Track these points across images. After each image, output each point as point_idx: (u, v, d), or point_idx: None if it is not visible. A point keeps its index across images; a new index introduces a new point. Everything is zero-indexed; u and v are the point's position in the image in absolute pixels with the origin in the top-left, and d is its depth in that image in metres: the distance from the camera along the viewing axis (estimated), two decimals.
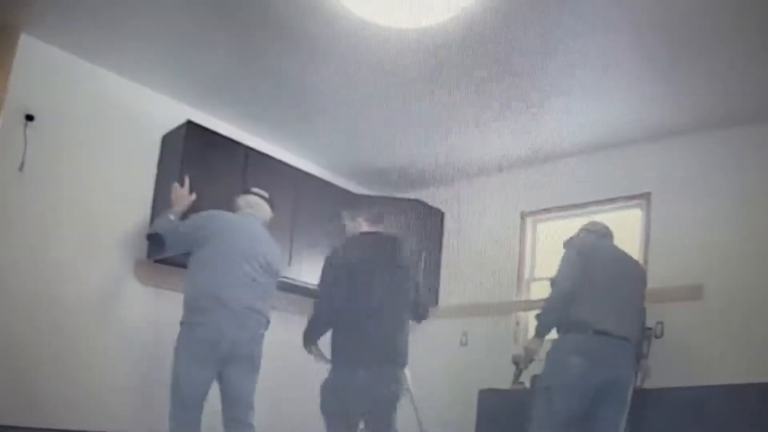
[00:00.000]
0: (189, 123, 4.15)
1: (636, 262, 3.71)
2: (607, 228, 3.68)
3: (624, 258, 3.58)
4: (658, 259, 4.32)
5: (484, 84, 3.93)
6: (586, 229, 3.67)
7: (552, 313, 3.34)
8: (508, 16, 3.27)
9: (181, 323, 3.21)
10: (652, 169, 4.47)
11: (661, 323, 4.14)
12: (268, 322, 3.38)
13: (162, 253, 3.48)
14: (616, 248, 3.61)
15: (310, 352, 3.59)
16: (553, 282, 3.41)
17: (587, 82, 3.84)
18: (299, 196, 4.75)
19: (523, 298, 4.98)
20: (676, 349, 4.02)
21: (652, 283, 4.28)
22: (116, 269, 4.00)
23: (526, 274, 5.04)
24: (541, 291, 4.94)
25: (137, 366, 3.90)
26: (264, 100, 4.38)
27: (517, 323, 4.93)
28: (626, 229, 4.60)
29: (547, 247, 5.01)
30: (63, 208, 3.79)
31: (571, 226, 4.90)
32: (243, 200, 3.61)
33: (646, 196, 4.50)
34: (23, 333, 3.55)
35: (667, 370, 3.98)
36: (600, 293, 3.29)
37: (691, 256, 4.14)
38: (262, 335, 3.33)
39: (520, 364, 4.24)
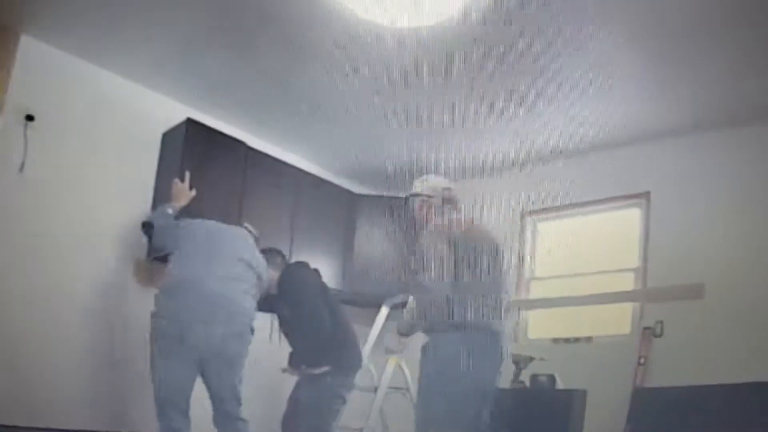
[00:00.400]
0: (189, 120, 4.15)
1: (490, 231, 2.98)
2: (453, 189, 3.06)
3: (486, 232, 2.93)
4: (658, 259, 4.33)
5: (484, 83, 3.93)
6: (443, 197, 3.01)
7: (427, 319, 2.78)
8: (507, 16, 3.26)
9: (153, 315, 3.14)
10: (651, 169, 4.47)
11: (661, 322, 4.15)
12: (250, 320, 3.30)
13: (156, 250, 3.48)
14: (476, 222, 2.99)
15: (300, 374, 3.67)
16: (427, 283, 2.74)
17: (587, 82, 3.84)
18: (299, 195, 4.75)
19: (523, 297, 4.99)
20: (676, 348, 4.03)
21: (652, 283, 4.31)
22: (117, 268, 4.00)
23: (527, 274, 5.04)
24: (541, 290, 4.97)
25: (136, 365, 3.90)
26: (263, 99, 4.38)
27: (517, 323, 4.94)
28: (626, 229, 4.63)
29: (548, 247, 5.02)
30: (63, 208, 3.79)
31: (571, 225, 4.93)
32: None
33: (645, 196, 4.50)
34: (23, 333, 3.55)
35: (667, 369, 4.00)
36: (479, 287, 2.75)
37: (691, 255, 4.14)
38: (245, 333, 3.26)
39: (519, 363, 4.26)
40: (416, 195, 3.05)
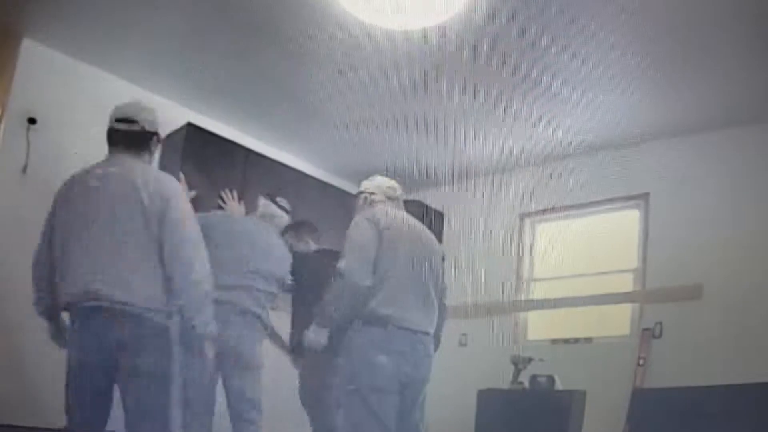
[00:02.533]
0: (189, 125, 4.16)
1: (431, 236, 3.01)
2: (398, 190, 3.07)
3: (421, 232, 2.95)
4: (657, 260, 4.35)
5: (483, 85, 3.95)
6: (386, 195, 3.02)
7: (344, 309, 2.69)
8: (507, 18, 3.28)
9: None
10: (650, 170, 4.49)
11: (660, 323, 4.17)
12: (263, 322, 3.29)
13: None
14: (412, 220, 2.97)
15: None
16: (343, 270, 2.67)
17: (586, 83, 3.86)
18: (299, 197, 4.75)
19: (522, 298, 5.00)
20: (675, 349, 4.04)
21: (651, 284, 4.32)
22: None
23: (525, 275, 5.06)
24: (540, 291, 4.98)
25: None
26: (263, 102, 4.40)
27: (516, 323, 4.95)
28: (625, 230, 4.64)
29: (547, 248, 5.03)
30: None
31: (570, 226, 4.94)
32: (263, 205, 3.56)
33: (644, 197, 4.52)
34: (25, 334, 3.55)
35: (666, 370, 4.01)
36: (401, 281, 2.74)
37: (689, 256, 4.16)
38: (257, 335, 3.26)
39: (519, 364, 4.27)
40: (361, 192, 3.08)
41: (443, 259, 3.00)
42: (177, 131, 4.20)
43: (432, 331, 2.82)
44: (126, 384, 2.37)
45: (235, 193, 3.78)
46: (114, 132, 2.67)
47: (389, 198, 3.00)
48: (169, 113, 4.32)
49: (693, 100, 3.98)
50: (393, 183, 3.07)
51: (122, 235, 2.35)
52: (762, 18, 3.15)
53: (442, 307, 2.93)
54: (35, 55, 3.74)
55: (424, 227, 2.96)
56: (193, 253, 2.39)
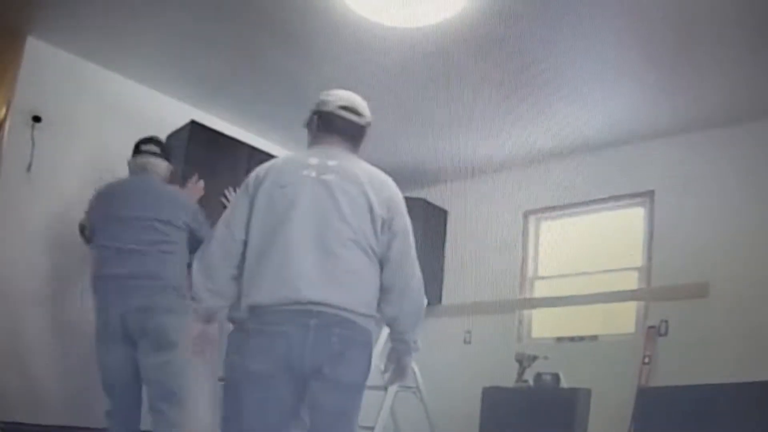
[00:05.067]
0: (193, 123, 4.16)
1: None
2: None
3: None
4: (662, 257, 4.34)
5: (487, 82, 3.94)
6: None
7: None
8: (511, 15, 3.28)
9: None
10: (655, 167, 4.48)
11: (666, 321, 4.16)
12: (173, 288, 2.95)
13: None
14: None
15: None
16: None
17: (591, 80, 3.85)
18: None
19: (527, 296, 5.00)
20: (681, 347, 4.03)
21: (656, 282, 4.31)
22: None
23: (530, 273, 5.05)
24: (545, 289, 4.98)
25: None
26: (267, 99, 4.40)
27: (520, 321, 4.95)
28: (630, 228, 4.63)
29: (552, 246, 5.02)
30: (70, 208, 3.80)
31: (574, 224, 4.93)
32: (133, 163, 3.28)
33: (649, 194, 4.51)
34: (29, 332, 3.57)
35: (672, 368, 4.00)
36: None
37: (695, 253, 4.15)
38: (166, 303, 2.90)
39: (523, 362, 4.27)
40: None
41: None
42: (181, 129, 4.20)
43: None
44: None
45: None
46: (336, 118, 2.27)
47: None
48: (173, 111, 4.34)
49: (698, 97, 3.96)
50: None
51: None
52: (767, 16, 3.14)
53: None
54: (40, 54, 3.75)
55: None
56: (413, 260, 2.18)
